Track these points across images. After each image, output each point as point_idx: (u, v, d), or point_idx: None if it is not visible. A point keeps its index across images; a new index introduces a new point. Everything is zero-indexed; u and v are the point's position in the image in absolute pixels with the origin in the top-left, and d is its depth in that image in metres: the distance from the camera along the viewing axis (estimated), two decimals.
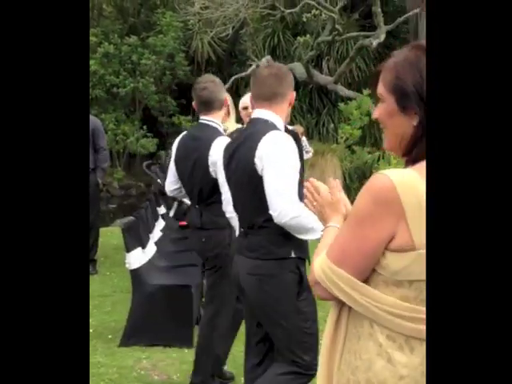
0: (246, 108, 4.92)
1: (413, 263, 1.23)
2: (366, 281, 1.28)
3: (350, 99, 10.18)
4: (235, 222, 2.65)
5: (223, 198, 2.87)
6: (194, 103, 3.21)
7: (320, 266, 1.32)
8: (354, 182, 9.83)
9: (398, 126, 1.30)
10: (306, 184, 1.59)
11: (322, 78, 11.42)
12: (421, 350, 1.24)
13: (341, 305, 1.33)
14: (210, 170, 3.01)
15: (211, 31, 10.20)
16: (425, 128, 1.25)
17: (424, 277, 1.20)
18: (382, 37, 10.06)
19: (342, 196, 1.53)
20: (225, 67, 12.76)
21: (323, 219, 1.53)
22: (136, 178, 11.09)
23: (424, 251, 1.20)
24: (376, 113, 1.36)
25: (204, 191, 3.10)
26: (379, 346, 1.27)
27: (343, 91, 10.95)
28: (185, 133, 3.42)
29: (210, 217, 3.09)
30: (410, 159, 1.30)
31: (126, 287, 4.78)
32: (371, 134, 11.20)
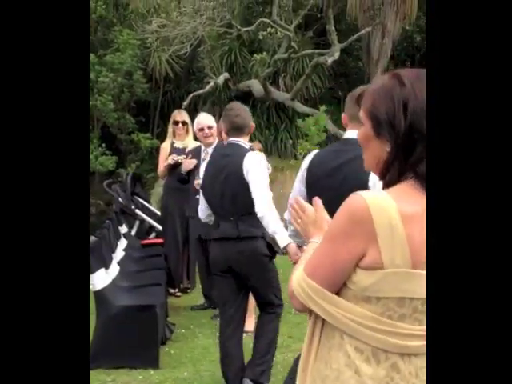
0: (202, 129, 5.01)
1: (380, 281, 1.31)
2: (337, 294, 1.36)
3: (307, 115, 10.40)
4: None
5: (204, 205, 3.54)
6: (222, 126, 3.59)
7: (296, 279, 1.40)
8: None
9: (375, 150, 1.40)
10: (291, 202, 1.68)
11: (279, 95, 11.62)
12: (386, 363, 1.32)
13: (315, 317, 1.41)
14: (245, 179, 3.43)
15: (169, 49, 10.26)
16: (396, 154, 1.34)
17: (390, 294, 1.30)
18: (337, 54, 10.36)
19: (325, 215, 1.60)
20: (183, 84, 12.81)
21: (306, 236, 1.61)
22: (95, 196, 10.97)
23: (391, 270, 1.29)
24: (358, 134, 1.47)
25: (239, 203, 3.41)
26: (348, 357, 1.35)
27: (300, 107, 11.18)
28: (213, 153, 3.68)
29: (246, 227, 3.36)
30: (385, 183, 1.39)
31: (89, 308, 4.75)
32: None
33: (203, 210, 3.62)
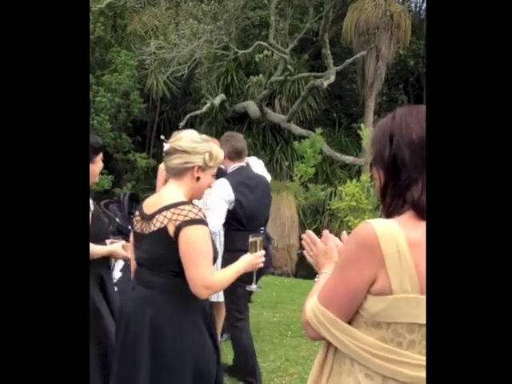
0: None
1: (389, 306, 1.33)
2: (349, 322, 1.40)
3: (303, 137, 10.51)
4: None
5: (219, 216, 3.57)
6: (225, 151, 3.59)
7: (311, 308, 1.44)
8: (307, 218, 10.07)
9: (376, 180, 1.49)
10: (303, 236, 1.73)
11: (275, 117, 11.75)
12: None
13: (328, 345, 1.45)
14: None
15: (166, 70, 10.38)
16: (386, 182, 1.42)
17: (400, 320, 1.33)
18: (332, 77, 10.51)
19: (334, 246, 1.65)
20: (179, 105, 12.93)
21: (318, 267, 1.66)
22: None
23: (401, 296, 1.32)
24: None
25: (267, 216, 3.87)
26: (358, 383, 1.38)
27: (296, 129, 11.30)
28: (237, 177, 3.69)
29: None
30: (388, 210, 1.44)
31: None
32: (323, 171, 11.56)
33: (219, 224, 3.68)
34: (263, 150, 11.95)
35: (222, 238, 3.84)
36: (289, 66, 10.64)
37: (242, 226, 3.61)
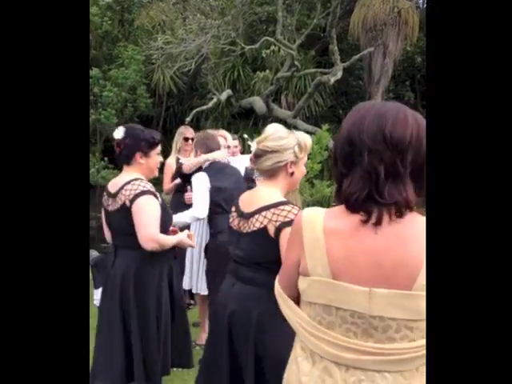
0: (229, 147, 5.13)
1: (309, 287, 1.43)
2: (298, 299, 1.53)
3: (309, 133, 10.47)
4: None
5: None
6: (201, 151, 4.03)
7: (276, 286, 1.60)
8: None
9: None
10: None
11: (281, 112, 11.73)
12: (320, 365, 1.43)
13: None
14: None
15: (173, 65, 10.38)
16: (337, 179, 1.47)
17: (316, 300, 1.42)
18: (339, 74, 10.48)
19: None
20: (186, 100, 12.93)
21: None
22: (96, 209, 11.00)
23: (315, 278, 1.41)
24: None
25: None
26: (296, 352, 1.51)
27: (302, 125, 11.28)
28: (212, 170, 3.98)
29: None
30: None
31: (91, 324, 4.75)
32: (329, 168, 11.54)
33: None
34: None
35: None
36: (295, 62, 10.61)
37: (222, 208, 3.80)
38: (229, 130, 11.61)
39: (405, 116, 1.39)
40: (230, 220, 2.35)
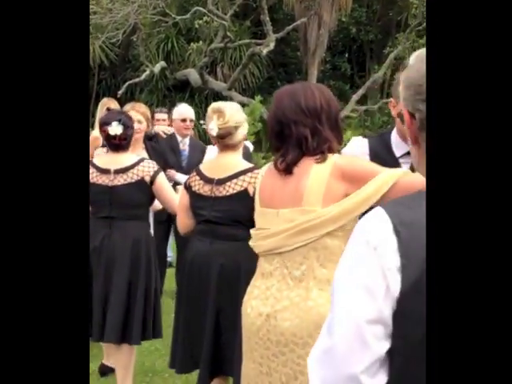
0: (184, 120, 5.01)
1: (255, 212, 2.07)
2: None
3: (244, 105, 10.42)
4: None
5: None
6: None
7: None
8: None
9: None
10: None
11: (216, 84, 11.60)
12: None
13: None
14: None
15: (102, 36, 10.04)
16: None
17: (258, 226, 2.04)
18: (272, 44, 10.40)
19: None
20: (119, 72, 12.59)
21: None
22: None
23: (257, 207, 2.04)
24: None
25: None
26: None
27: (237, 97, 11.18)
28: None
29: None
30: None
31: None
32: (266, 140, 11.55)
33: None
34: (205, 118, 11.81)
35: None
36: (229, 33, 10.45)
37: None
38: (164, 103, 11.46)
39: (311, 90, 1.91)
40: (196, 188, 2.58)
